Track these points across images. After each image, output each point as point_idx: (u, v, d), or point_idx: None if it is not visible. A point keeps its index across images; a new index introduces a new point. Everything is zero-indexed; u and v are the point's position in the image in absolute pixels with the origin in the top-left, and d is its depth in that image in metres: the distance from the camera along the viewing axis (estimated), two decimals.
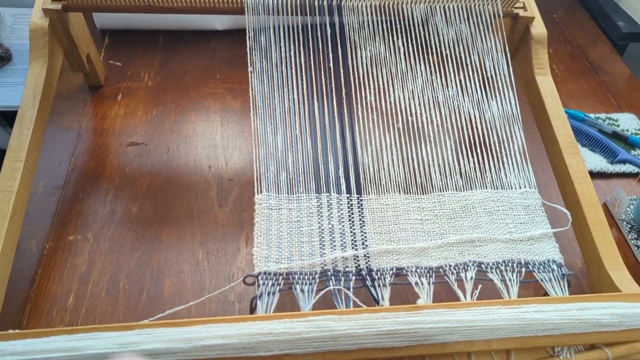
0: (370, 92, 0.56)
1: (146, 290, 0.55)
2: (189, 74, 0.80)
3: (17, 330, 0.40)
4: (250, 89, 0.53)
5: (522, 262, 0.48)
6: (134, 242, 0.59)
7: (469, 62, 0.60)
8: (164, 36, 0.86)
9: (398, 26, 0.60)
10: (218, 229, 0.61)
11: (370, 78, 0.57)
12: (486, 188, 0.52)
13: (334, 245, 0.47)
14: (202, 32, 0.87)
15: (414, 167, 0.53)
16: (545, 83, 0.64)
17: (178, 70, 0.81)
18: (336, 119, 0.54)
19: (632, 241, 0.64)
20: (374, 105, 0.55)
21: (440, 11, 0.62)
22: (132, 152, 0.68)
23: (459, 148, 0.54)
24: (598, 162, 0.73)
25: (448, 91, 0.58)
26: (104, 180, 0.65)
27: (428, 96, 0.57)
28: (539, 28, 0.66)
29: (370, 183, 0.51)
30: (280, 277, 0.45)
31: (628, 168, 0.73)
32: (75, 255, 0.58)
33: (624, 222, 0.66)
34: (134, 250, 0.58)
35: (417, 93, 0.57)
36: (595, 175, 0.72)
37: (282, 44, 0.56)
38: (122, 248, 0.59)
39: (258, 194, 0.49)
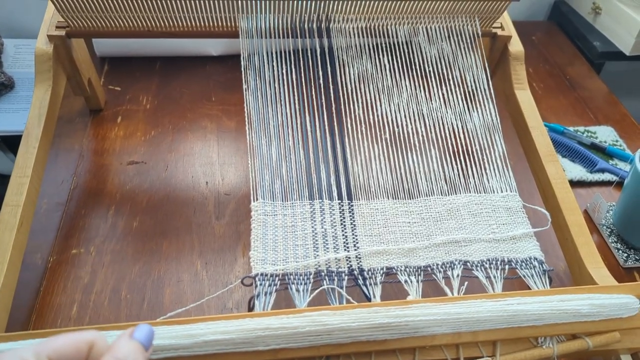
0: (358, 106, 0.59)
1: (147, 299, 0.57)
2: (185, 96, 0.84)
3: (28, 331, 0.42)
4: (245, 105, 0.57)
5: (506, 259, 0.51)
6: (135, 254, 0.61)
7: (451, 77, 0.63)
8: (160, 62, 0.90)
9: (383, 45, 0.64)
10: (216, 240, 0.64)
11: (358, 93, 0.60)
12: (469, 192, 0.55)
13: (327, 248, 0.50)
14: (198, 58, 0.91)
15: (401, 174, 0.56)
16: (524, 97, 0.68)
17: (175, 93, 0.84)
18: (327, 131, 0.57)
19: (613, 244, 0.67)
20: (362, 118, 0.59)
21: (423, 31, 0.66)
22: (132, 171, 0.71)
23: (443, 156, 0.57)
24: (578, 171, 0.77)
25: (432, 104, 0.61)
26: (106, 197, 0.67)
27: (413, 109, 0.60)
28: (516, 46, 0.70)
29: (360, 190, 0.54)
30: (277, 278, 0.47)
31: (607, 177, 0.76)
32: (78, 268, 0.60)
33: (604, 227, 0.69)
34: (135, 262, 0.61)
35: (403, 106, 0.61)
36: (575, 184, 0.75)
37: (274, 64, 0.60)
38: (124, 260, 0.61)
39: (254, 201, 0.52)
